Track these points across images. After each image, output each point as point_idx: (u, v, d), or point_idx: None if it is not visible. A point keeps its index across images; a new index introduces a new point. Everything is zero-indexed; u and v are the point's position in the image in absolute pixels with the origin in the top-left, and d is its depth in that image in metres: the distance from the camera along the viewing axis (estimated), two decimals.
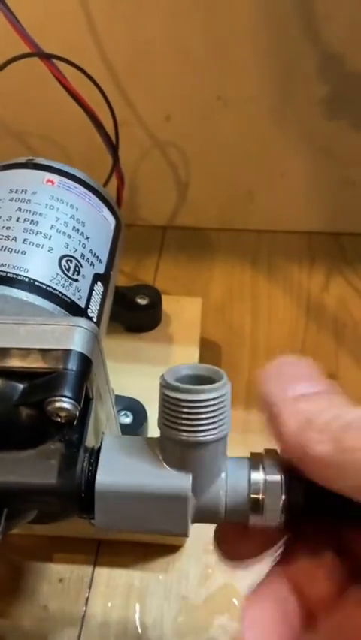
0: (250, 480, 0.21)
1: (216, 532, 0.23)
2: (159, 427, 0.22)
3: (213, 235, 0.60)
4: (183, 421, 0.21)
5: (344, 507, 0.20)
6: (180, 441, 0.21)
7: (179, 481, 0.21)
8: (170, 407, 0.21)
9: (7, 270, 0.29)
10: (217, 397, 0.21)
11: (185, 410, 0.21)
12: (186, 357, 0.44)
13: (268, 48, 0.49)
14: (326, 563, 0.22)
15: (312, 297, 0.55)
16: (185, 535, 0.22)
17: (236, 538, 0.23)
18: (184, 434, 0.21)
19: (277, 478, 0.21)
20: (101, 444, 0.23)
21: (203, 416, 0.21)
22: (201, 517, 0.22)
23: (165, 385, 0.22)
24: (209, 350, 0.50)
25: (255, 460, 0.22)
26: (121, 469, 0.22)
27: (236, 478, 0.22)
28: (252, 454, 0.22)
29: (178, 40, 0.49)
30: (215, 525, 0.23)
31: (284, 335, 0.52)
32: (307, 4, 0.47)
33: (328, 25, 0.48)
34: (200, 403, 0.21)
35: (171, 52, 0.50)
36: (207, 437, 0.21)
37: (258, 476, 0.21)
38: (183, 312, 0.47)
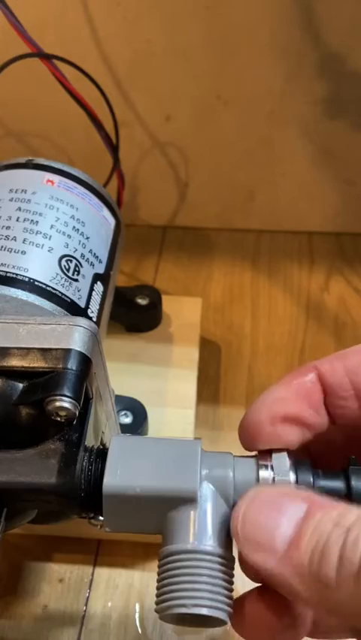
0: (258, 479, 0.21)
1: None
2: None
3: (213, 235, 0.60)
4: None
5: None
6: None
7: (187, 483, 0.21)
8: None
9: (7, 270, 0.29)
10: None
11: None
12: (186, 357, 0.44)
13: (267, 48, 0.49)
14: None
15: (312, 297, 0.55)
16: (194, 492, 0.22)
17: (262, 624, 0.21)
18: None
19: (286, 476, 0.21)
20: (109, 445, 0.22)
21: None
22: None
23: None
24: (209, 350, 0.50)
25: (262, 459, 0.22)
26: (128, 471, 0.22)
27: (244, 478, 0.22)
28: (259, 452, 0.22)
29: (178, 40, 0.49)
30: None
31: (284, 335, 0.52)
32: (308, 4, 0.47)
33: (328, 25, 0.48)
34: None
35: (171, 52, 0.50)
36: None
37: (266, 475, 0.21)
38: (183, 312, 0.47)
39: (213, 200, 0.59)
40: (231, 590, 0.20)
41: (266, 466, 0.22)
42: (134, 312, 0.45)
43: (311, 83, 0.51)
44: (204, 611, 0.20)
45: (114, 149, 0.43)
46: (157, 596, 0.21)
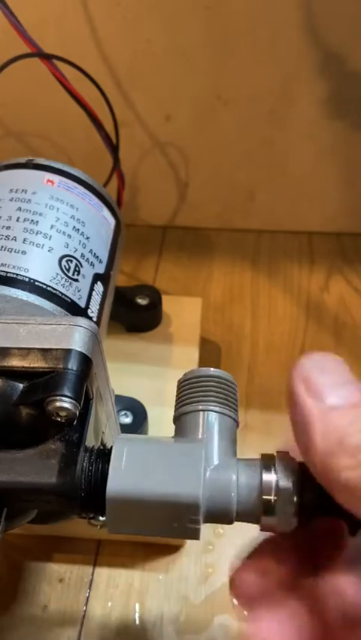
0: (261, 481, 0.21)
1: (231, 582, 0.22)
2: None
3: (213, 235, 0.60)
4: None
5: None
6: None
7: (190, 488, 0.21)
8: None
9: (7, 270, 0.29)
10: None
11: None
12: (186, 357, 0.44)
13: (268, 48, 0.49)
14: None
15: (312, 297, 0.55)
16: (197, 538, 0.22)
17: (253, 586, 0.22)
18: None
19: (289, 480, 0.21)
20: (110, 446, 0.22)
21: None
22: (213, 518, 0.22)
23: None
24: (209, 350, 0.50)
25: (266, 461, 0.22)
26: (131, 475, 0.21)
27: (247, 480, 0.21)
28: (263, 455, 0.22)
29: (178, 40, 0.49)
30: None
31: (284, 335, 0.52)
32: (308, 4, 0.47)
33: (328, 25, 0.48)
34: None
35: (171, 52, 0.50)
36: None
37: (269, 478, 0.21)
38: (183, 312, 0.47)
39: (213, 200, 0.59)
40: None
41: (269, 469, 0.21)
42: (134, 312, 0.45)
43: (311, 83, 0.51)
44: None
45: (114, 149, 0.43)
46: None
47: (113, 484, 0.21)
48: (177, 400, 0.25)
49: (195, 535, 0.22)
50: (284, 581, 0.21)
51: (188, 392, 0.24)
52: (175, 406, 0.24)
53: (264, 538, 0.22)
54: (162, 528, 0.21)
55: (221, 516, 0.22)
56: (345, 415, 0.19)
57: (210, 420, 0.23)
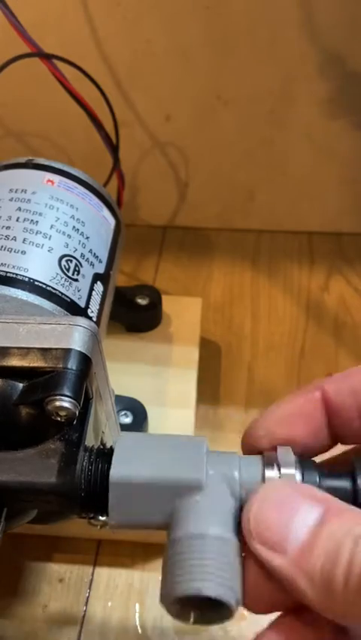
0: (263, 477, 0.21)
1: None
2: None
3: (213, 235, 0.60)
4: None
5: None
6: None
7: (194, 472, 0.21)
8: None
9: (7, 270, 0.29)
10: None
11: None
12: (186, 357, 0.44)
13: (268, 48, 0.49)
14: None
15: (312, 297, 0.55)
16: (200, 480, 0.21)
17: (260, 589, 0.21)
18: None
19: (291, 475, 0.21)
20: (113, 444, 0.22)
21: None
22: None
23: None
24: (209, 350, 0.50)
25: (268, 458, 0.22)
26: (134, 462, 0.21)
27: (250, 477, 0.21)
28: (265, 451, 0.22)
29: (178, 40, 0.49)
30: None
31: (284, 335, 0.52)
32: (308, 4, 0.47)
33: (328, 25, 0.48)
34: None
35: (171, 52, 0.50)
36: None
37: (272, 474, 0.21)
38: (183, 312, 0.47)
39: (213, 200, 0.59)
40: (239, 576, 0.20)
41: (272, 465, 0.21)
42: (134, 312, 0.45)
43: (311, 83, 0.51)
44: (211, 592, 0.19)
45: (114, 149, 0.43)
46: (162, 582, 0.20)
47: (117, 469, 0.21)
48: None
49: None
50: None
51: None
52: None
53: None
54: (164, 517, 0.21)
55: None
56: (319, 548, 0.18)
57: None
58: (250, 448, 0.23)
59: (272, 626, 0.20)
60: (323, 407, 0.23)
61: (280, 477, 0.21)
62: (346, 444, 0.23)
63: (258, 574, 0.20)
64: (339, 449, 0.25)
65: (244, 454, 0.23)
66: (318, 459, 0.23)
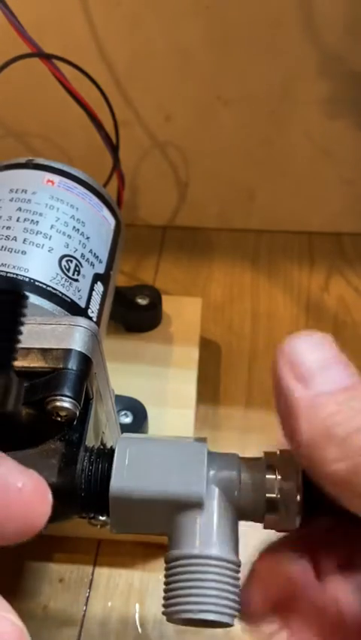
0: (264, 480, 0.21)
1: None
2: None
3: (213, 235, 0.60)
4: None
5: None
6: None
7: (194, 486, 0.21)
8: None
9: (7, 270, 0.29)
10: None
11: None
12: (186, 357, 0.44)
13: (268, 48, 0.49)
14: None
15: (312, 297, 0.55)
16: (200, 495, 0.21)
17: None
18: None
19: (292, 478, 0.21)
20: (113, 446, 0.22)
21: None
22: None
23: None
24: (209, 350, 0.50)
25: (269, 459, 0.22)
26: (134, 474, 0.21)
27: (250, 479, 0.21)
28: (266, 452, 0.22)
29: (178, 40, 0.49)
30: None
31: (284, 335, 0.51)
32: (308, 4, 0.47)
33: (328, 25, 0.48)
34: None
35: (171, 52, 0.50)
36: None
37: (273, 476, 0.21)
38: (183, 312, 0.47)
39: (213, 200, 0.59)
40: (237, 595, 0.21)
41: (272, 467, 0.21)
42: (134, 312, 0.45)
43: (311, 83, 0.51)
44: (210, 617, 0.20)
45: (114, 149, 0.43)
46: (164, 599, 0.21)
47: (116, 482, 0.21)
48: None
49: None
50: (289, 591, 0.21)
51: None
52: None
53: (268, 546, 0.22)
54: (164, 527, 0.21)
55: None
56: (333, 402, 0.18)
57: None
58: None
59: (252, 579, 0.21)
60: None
61: (280, 480, 0.21)
62: None
63: (260, 600, 0.20)
64: None
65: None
66: None
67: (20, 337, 0.20)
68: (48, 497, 0.19)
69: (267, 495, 0.21)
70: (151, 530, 0.22)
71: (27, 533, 0.18)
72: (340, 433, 0.18)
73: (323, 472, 0.18)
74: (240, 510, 0.21)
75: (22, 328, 0.19)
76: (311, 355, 0.19)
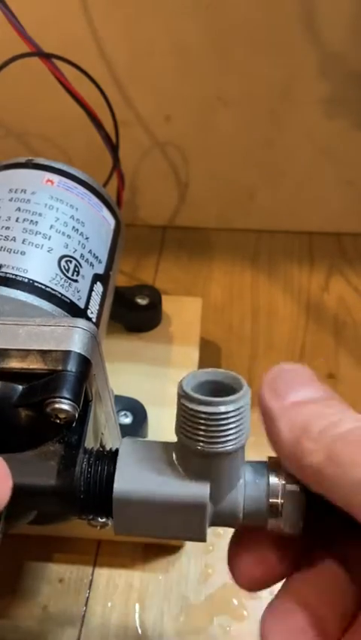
0: (268, 484, 0.21)
1: (229, 558, 0.23)
2: (177, 434, 0.21)
3: (213, 235, 0.60)
4: (202, 432, 0.20)
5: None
6: (198, 451, 0.20)
7: (197, 489, 0.21)
8: (188, 418, 0.20)
9: (7, 271, 0.29)
10: (237, 409, 0.21)
11: (204, 422, 0.20)
12: (186, 357, 0.44)
13: (268, 48, 0.49)
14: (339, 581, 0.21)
15: (312, 297, 0.55)
16: (203, 540, 0.22)
17: (251, 566, 0.22)
18: (202, 444, 0.20)
19: (296, 483, 0.21)
20: (118, 449, 0.22)
21: (223, 428, 0.20)
22: (219, 521, 0.22)
23: (183, 395, 0.21)
24: (209, 350, 0.50)
25: (273, 464, 0.22)
26: (138, 477, 0.21)
27: (254, 483, 0.21)
28: (270, 458, 0.22)
29: (178, 40, 0.49)
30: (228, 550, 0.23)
31: (284, 335, 0.52)
32: (308, 4, 0.47)
33: (328, 25, 0.48)
34: (220, 415, 0.20)
35: (171, 52, 0.50)
36: (227, 448, 0.20)
37: (276, 481, 0.21)
38: (183, 312, 0.47)
39: (213, 200, 0.59)
40: None
41: (276, 472, 0.21)
42: (134, 312, 0.45)
43: (312, 83, 0.51)
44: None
45: (114, 149, 0.43)
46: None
47: (120, 484, 0.21)
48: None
49: (201, 536, 0.22)
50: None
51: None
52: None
53: None
54: (168, 530, 0.21)
55: (228, 519, 0.22)
56: (309, 406, 0.20)
57: None
58: None
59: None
60: None
61: (284, 485, 0.21)
62: None
63: (250, 559, 0.22)
64: None
65: None
66: None
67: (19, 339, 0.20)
68: (8, 479, 0.20)
69: (270, 500, 0.21)
70: (155, 533, 0.22)
71: None
72: (315, 429, 0.19)
73: (302, 467, 0.19)
74: (243, 513, 0.21)
75: (22, 330, 0.19)
76: (289, 376, 0.22)
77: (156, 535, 0.22)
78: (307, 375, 0.22)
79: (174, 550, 0.39)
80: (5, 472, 0.20)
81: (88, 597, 0.37)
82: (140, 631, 0.36)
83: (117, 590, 0.37)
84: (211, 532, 0.22)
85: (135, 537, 0.38)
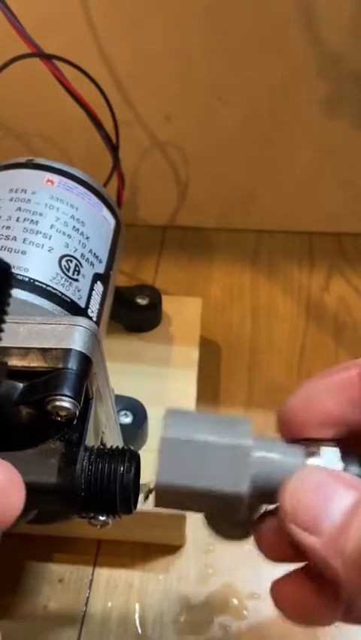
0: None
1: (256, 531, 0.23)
2: None
3: (213, 235, 0.60)
4: None
5: None
6: None
7: (242, 432, 0.22)
8: None
9: None
10: None
11: None
12: (186, 357, 0.44)
13: (268, 48, 0.49)
14: None
15: (312, 297, 0.55)
16: (241, 494, 0.21)
17: (275, 541, 0.22)
18: None
19: (334, 466, 0.21)
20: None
21: None
22: (259, 500, 0.22)
23: None
24: (209, 350, 0.50)
25: (310, 447, 0.22)
26: (185, 424, 0.22)
27: (292, 464, 0.22)
28: (304, 439, 0.22)
29: (178, 40, 0.49)
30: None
31: (284, 335, 0.52)
32: (308, 4, 0.47)
33: (328, 25, 0.48)
34: None
35: (171, 52, 0.50)
36: None
37: (315, 462, 0.21)
38: (183, 312, 0.47)
39: (213, 200, 0.59)
40: None
41: (314, 454, 0.22)
42: (134, 312, 0.45)
43: (311, 83, 0.51)
44: None
45: (114, 149, 0.43)
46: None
47: (162, 476, 0.21)
48: None
49: (240, 487, 0.21)
50: None
51: None
52: None
53: None
54: (209, 478, 0.21)
55: (266, 498, 0.22)
56: (349, 535, 0.19)
57: None
58: (288, 432, 0.23)
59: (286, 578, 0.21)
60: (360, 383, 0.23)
61: (324, 465, 0.21)
62: None
63: (272, 529, 0.21)
64: None
65: (281, 429, 0.23)
66: None
67: (6, 317, 0.20)
68: (22, 490, 0.19)
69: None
70: (195, 484, 0.22)
71: None
72: None
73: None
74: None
75: (22, 328, 0.19)
76: (310, 497, 0.20)
77: (196, 487, 0.22)
78: (325, 476, 0.20)
79: (174, 550, 0.39)
80: (19, 482, 0.20)
81: (88, 597, 0.37)
82: (140, 631, 0.36)
83: (117, 590, 0.37)
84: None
85: (134, 536, 0.38)
